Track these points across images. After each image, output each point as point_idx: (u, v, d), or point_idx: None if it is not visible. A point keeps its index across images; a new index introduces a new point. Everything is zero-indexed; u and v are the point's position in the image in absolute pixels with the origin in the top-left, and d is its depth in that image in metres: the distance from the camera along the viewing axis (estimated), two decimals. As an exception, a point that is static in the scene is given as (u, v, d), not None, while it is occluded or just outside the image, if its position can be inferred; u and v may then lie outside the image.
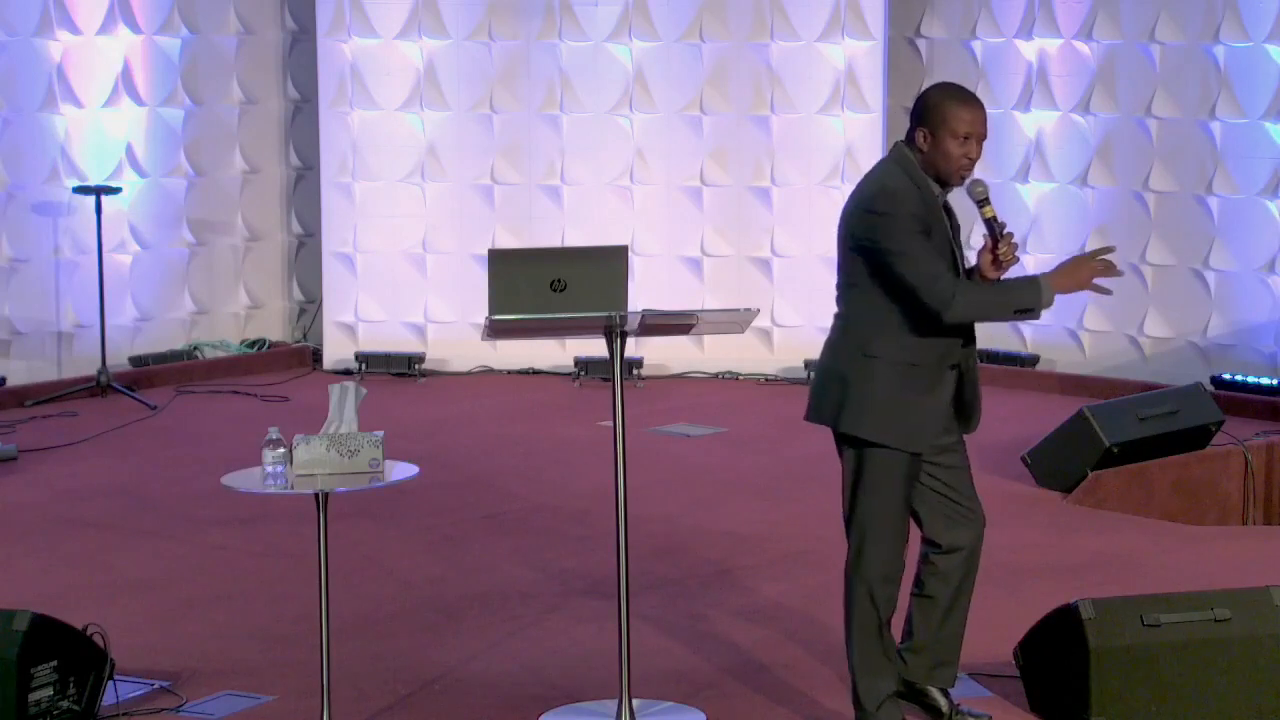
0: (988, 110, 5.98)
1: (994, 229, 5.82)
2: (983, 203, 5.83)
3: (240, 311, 12.66)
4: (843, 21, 11.84)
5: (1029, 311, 5.84)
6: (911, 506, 6.02)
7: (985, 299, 5.85)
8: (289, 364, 12.45)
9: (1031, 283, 5.83)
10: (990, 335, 11.98)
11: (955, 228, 5.93)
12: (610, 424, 6.22)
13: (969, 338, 5.98)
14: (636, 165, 12.11)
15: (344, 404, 6.19)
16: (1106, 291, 5.89)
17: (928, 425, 5.91)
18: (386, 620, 7.31)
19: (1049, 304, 5.83)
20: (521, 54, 12.12)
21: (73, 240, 11.63)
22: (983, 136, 5.86)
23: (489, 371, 12.23)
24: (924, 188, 5.86)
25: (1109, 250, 5.89)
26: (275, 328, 12.83)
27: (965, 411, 6.03)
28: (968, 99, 5.89)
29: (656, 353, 11.95)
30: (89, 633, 6.22)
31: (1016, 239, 5.92)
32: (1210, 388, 10.56)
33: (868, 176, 5.97)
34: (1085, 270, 5.84)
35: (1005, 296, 5.84)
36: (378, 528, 8.55)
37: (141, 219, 12.03)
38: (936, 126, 5.84)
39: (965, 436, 6.08)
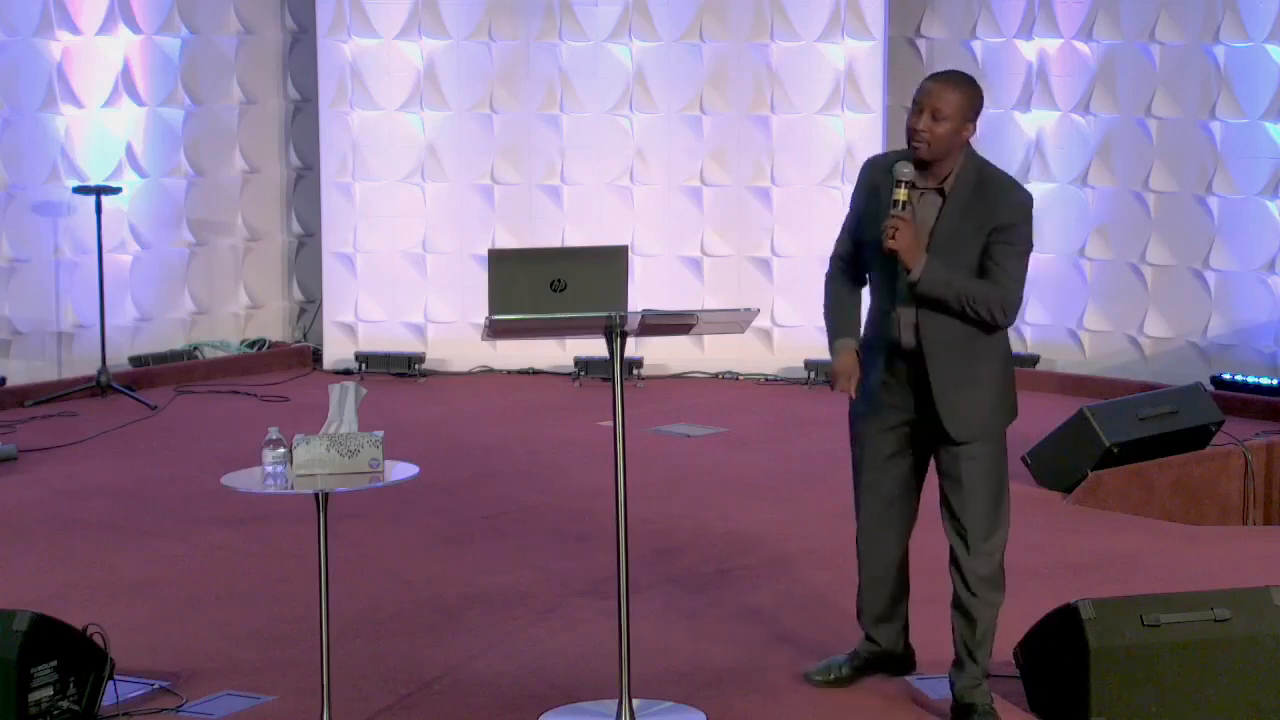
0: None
1: (892, 208, 6.00)
2: (896, 184, 5.98)
3: (240, 311, 12.66)
4: (843, 21, 11.84)
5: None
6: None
7: (825, 307, 6.36)
8: (289, 364, 12.45)
9: (832, 343, 6.28)
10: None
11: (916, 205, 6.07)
12: (610, 424, 6.23)
13: (923, 317, 6.08)
14: (636, 165, 12.11)
15: (344, 404, 6.19)
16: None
17: (862, 394, 6.23)
18: (386, 620, 7.31)
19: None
20: (521, 54, 12.12)
21: (73, 240, 11.63)
22: (936, 110, 5.97)
23: (489, 371, 12.23)
24: (888, 163, 6.10)
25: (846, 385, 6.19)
26: (275, 328, 12.83)
27: (930, 403, 6.12)
28: (934, 74, 6.13)
29: (656, 353, 11.94)
30: (89, 633, 6.22)
31: (896, 226, 5.97)
32: (1210, 388, 10.56)
33: None
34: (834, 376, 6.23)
35: (827, 324, 6.32)
36: (378, 528, 8.56)
37: (141, 219, 12.03)
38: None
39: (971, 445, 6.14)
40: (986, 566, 6.17)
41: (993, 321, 6.04)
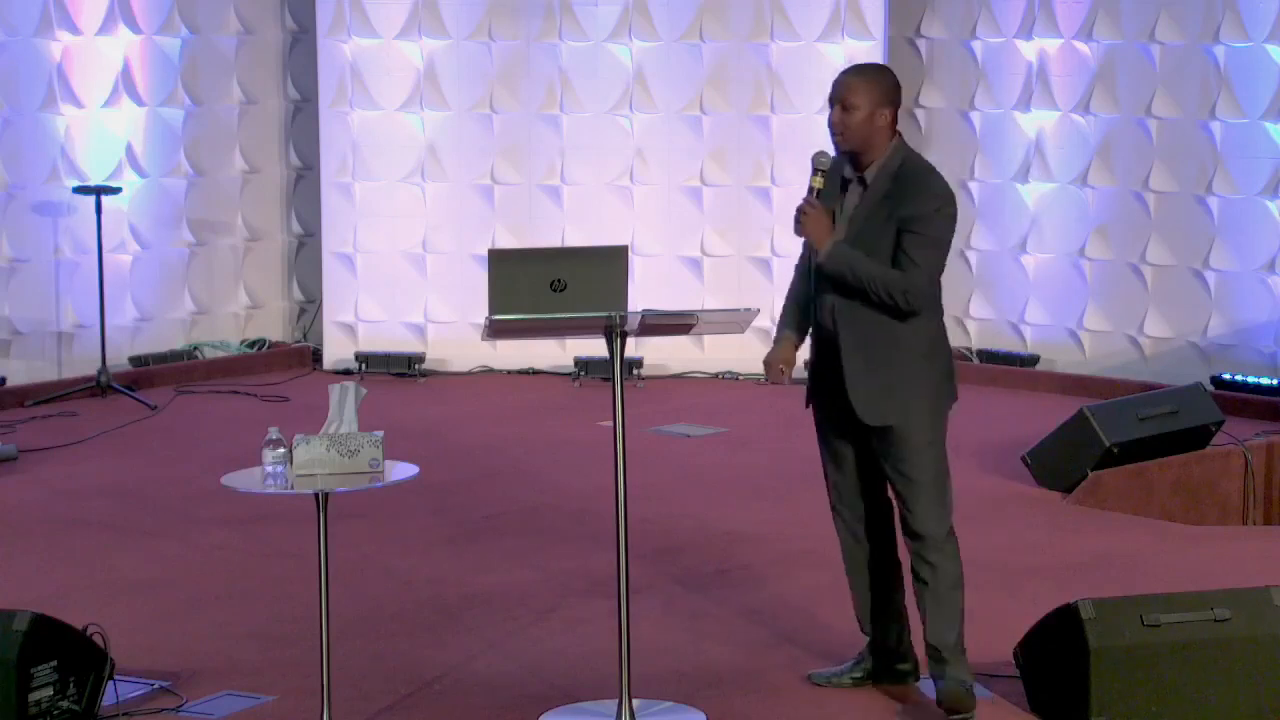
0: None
1: (807, 194, 6.21)
2: (814, 172, 6.19)
3: (240, 311, 12.66)
4: (843, 21, 11.85)
5: None
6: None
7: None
8: (289, 364, 12.45)
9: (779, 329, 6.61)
10: (991, 335, 11.99)
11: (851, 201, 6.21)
12: (610, 424, 6.23)
13: (837, 302, 6.25)
14: (636, 165, 12.11)
15: (344, 404, 6.19)
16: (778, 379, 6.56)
17: (813, 384, 6.48)
18: (386, 620, 7.32)
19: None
20: (521, 54, 12.12)
21: (73, 240, 11.63)
22: (845, 101, 6.12)
23: (489, 371, 12.23)
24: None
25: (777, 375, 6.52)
26: (275, 328, 12.83)
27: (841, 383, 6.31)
28: (845, 69, 6.28)
29: (656, 353, 11.95)
30: (89, 633, 6.22)
31: (805, 211, 6.16)
32: (1210, 388, 10.56)
33: None
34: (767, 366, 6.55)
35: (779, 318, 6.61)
36: (378, 528, 8.55)
37: (141, 219, 12.03)
38: None
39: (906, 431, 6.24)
40: (934, 554, 6.21)
41: (895, 305, 6.14)
